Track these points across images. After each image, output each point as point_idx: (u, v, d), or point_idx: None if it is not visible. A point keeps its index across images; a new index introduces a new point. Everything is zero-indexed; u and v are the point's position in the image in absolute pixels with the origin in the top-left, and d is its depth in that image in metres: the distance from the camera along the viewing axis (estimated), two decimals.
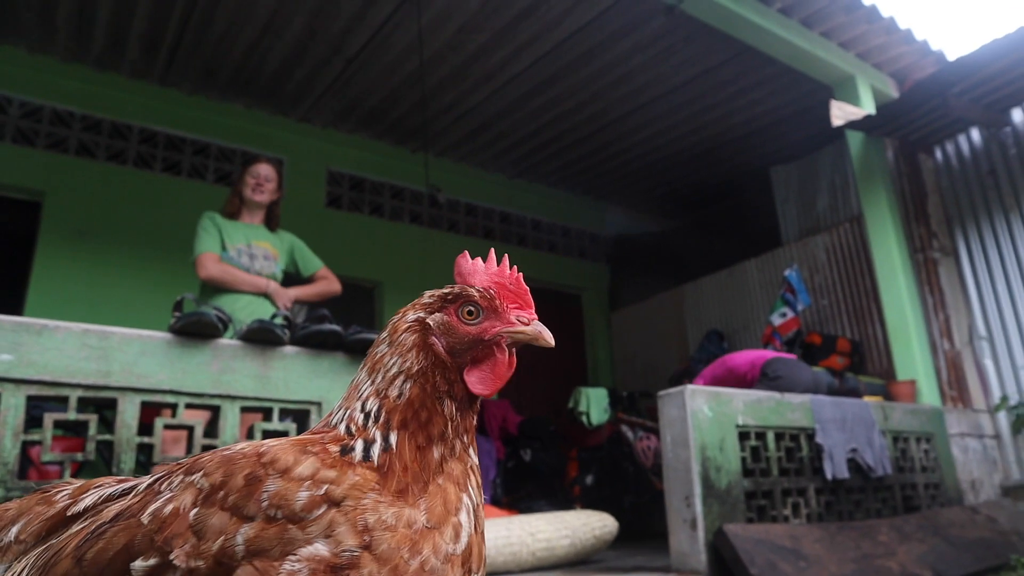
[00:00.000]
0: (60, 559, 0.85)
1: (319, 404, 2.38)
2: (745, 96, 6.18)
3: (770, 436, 3.62)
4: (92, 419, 2.05)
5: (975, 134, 5.55)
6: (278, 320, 2.45)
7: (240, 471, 0.83)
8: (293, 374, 2.36)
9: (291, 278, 3.77)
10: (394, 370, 0.95)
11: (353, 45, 5.39)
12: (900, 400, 4.74)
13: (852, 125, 5.00)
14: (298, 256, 3.82)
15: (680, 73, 5.82)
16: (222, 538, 0.79)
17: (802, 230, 6.48)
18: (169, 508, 0.82)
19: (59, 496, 0.99)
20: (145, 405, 2.15)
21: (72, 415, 2.04)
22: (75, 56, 5.40)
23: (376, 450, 0.90)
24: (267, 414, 2.33)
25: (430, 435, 0.93)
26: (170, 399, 2.18)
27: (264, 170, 3.71)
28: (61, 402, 2.07)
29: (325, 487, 0.83)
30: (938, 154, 5.78)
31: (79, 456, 2.07)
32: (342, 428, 0.93)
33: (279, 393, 2.33)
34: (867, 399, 4.43)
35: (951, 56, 5.54)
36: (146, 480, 0.92)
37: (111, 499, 0.93)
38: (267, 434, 2.30)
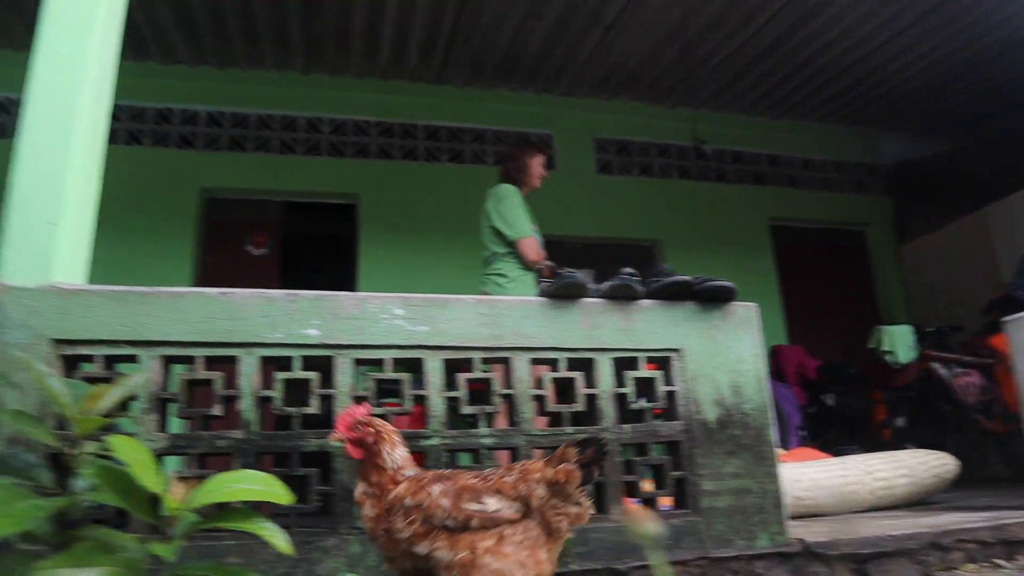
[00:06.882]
0: None
1: (679, 351, 2.49)
2: None
3: None
4: (494, 375, 2.34)
5: None
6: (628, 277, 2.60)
7: None
8: (653, 325, 2.50)
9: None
10: None
11: (610, 12, 5.47)
12: None
13: None
14: None
15: None
16: None
17: None
18: None
19: None
20: (531, 362, 2.41)
21: (476, 374, 2.34)
22: (365, 71, 6.07)
23: None
24: (632, 363, 2.50)
25: None
26: (551, 355, 2.42)
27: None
28: (463, 363, 2.37)
29: None
30: None
31: (488, 409, 2.37)
32: None
33: (643, 343, 2.48)
34: None
35: None
36: None
37: None
38: (637, 381, 2.47)
